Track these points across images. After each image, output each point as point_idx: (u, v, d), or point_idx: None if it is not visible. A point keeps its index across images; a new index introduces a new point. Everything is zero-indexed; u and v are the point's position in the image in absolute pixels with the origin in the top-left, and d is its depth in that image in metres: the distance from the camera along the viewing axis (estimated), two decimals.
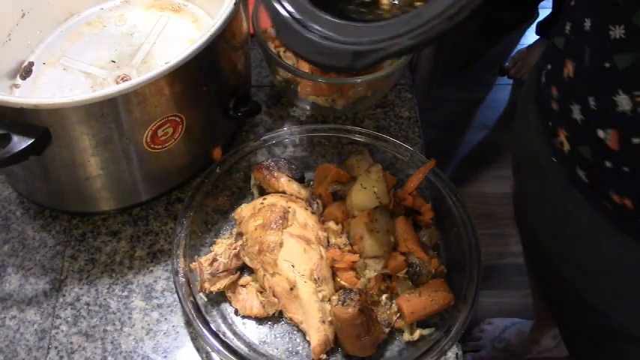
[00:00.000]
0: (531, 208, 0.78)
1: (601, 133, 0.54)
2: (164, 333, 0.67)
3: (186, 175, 0.77)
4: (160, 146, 0.69)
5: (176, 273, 0.66)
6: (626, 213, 0.56)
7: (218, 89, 0.72)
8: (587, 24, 0.54)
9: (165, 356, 0.66)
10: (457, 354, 0.65)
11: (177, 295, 0.65)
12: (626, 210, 0.56)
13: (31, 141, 0.58)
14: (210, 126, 0.75)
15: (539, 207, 0.75)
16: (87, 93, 0.59)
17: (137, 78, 0.60)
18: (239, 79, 0.77)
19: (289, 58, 0.85)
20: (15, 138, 0.58)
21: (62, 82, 0.76)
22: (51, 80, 0.76)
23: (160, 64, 0.61)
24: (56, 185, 0.71)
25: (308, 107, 0.86)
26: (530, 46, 2.04)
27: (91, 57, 0.79)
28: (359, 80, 0.79)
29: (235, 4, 0.67)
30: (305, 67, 0.83)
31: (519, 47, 2.13)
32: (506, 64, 2.09)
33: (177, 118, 0.67)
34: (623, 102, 0.50)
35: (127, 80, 0.66)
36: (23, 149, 0.58)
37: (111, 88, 0.59)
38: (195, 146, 0.74)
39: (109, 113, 0.61)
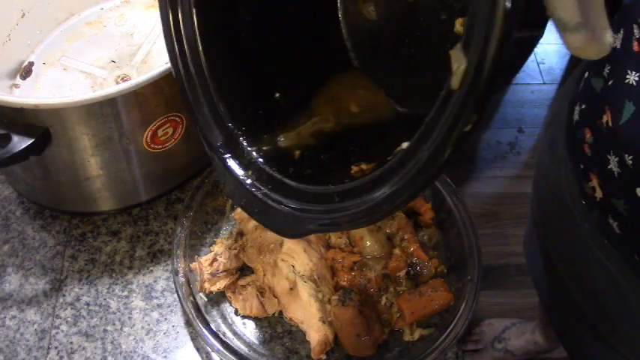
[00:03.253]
0: (553, 244, 0.74)
1: None
2: (164, 333, 0.67)
3: (186, 175, 0.77)
4: (160, 146, 0.69)
5: (176, 273, 0.66)
6: None
7: None
8: (632, 77, 0.49)
9: (165, 356, 0.66)
10: (457, 354, 0.65)
11: (178, 295, 0.65)
12: None
13: (31, 141, 0.58)
14: None
15: (562, 244, 0.70)
16: (87, 93, 0.59)
17: (137, 78, 0.60)
18: None
19: None
20: (15, 138, 0.58)
21: (62, 82, 0.76)
22: (51, 80, 0.76)
23: (160, 64, 0.61)
24: (56, 185, 0.71)
25: None
26: None
27: (91, 57, 0.79)
28: None
29: None
30: None
31: None
32: None
33: (177, 118, 0.67)
34: None
35: (127, 80, 0.66)
36: (23, 149, 0.58)
37: (111, 88, 0.59)
38: (195, 146, 0.74)
39: (109, 113, 0.61)
